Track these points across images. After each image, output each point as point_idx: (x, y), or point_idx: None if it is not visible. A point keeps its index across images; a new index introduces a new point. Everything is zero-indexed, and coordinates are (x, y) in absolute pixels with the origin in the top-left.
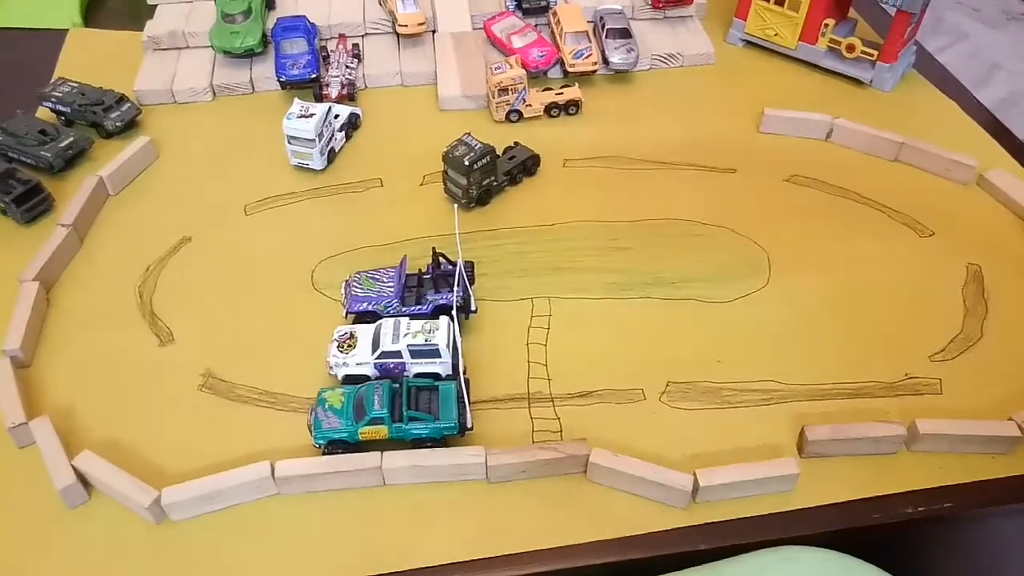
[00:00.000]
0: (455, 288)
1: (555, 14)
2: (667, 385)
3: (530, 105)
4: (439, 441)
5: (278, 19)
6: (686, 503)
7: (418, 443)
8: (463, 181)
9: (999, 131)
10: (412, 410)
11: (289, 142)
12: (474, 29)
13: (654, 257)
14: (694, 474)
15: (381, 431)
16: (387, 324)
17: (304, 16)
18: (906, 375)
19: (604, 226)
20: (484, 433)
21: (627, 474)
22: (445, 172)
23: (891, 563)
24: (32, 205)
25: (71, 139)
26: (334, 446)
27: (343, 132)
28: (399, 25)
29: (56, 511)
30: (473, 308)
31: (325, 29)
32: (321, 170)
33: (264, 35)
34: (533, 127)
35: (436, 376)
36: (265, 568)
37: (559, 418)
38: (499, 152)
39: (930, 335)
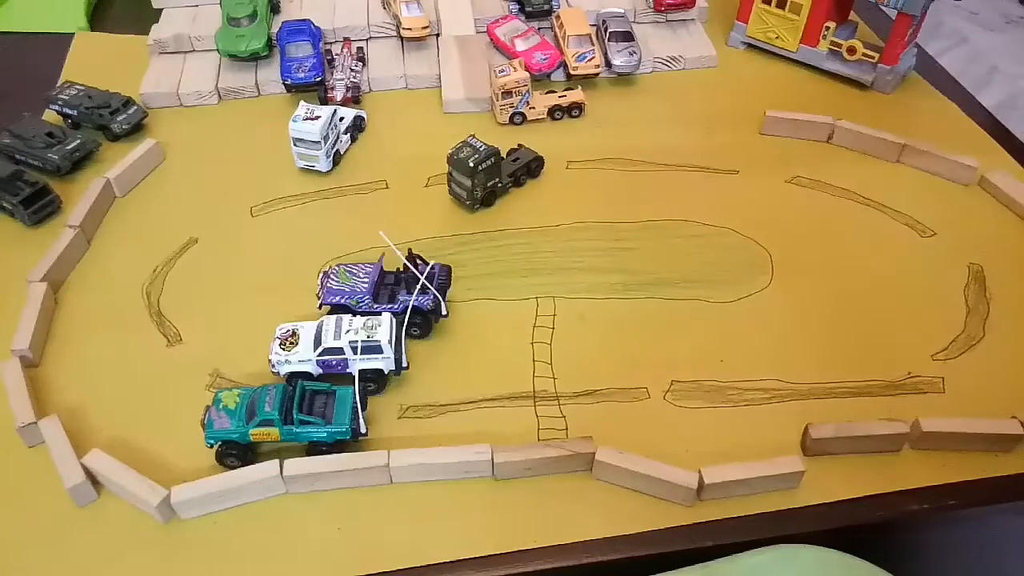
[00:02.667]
0: (412, 291)
1: (558, 17)
2: (671, 384)
3: (533, 108)
4: (332, 446)
5: (283, 23)
6: (691, 501)
7: (313, 447)
8: (468, 183)
9: (999, 132)
10: (303, 413)
11: (295, 144)
12: (478, 32)
13: (657, 258)
14: (699, 472)
15: (272, 433)
16: (329, 321)
17: (309, 20)
18: (909, 374)
19: (607, 227)
20: (490, 431)
21: (633, 472)
22: (450, 174)
23: (894, 560)
24: (40, 207)
25: (78, 141)
26: (227, 447)
27: (348, 135)
28: (403, 28)
29: (65, 510)
30: (444, 313)
31: (330, 33)
32: (327, 172)
33: (269, 39)
34: (536, 129)
35: (379, 372)
36: (273, 566)
37: (564, 416)
38: (503, 154)
39: (932, 334)
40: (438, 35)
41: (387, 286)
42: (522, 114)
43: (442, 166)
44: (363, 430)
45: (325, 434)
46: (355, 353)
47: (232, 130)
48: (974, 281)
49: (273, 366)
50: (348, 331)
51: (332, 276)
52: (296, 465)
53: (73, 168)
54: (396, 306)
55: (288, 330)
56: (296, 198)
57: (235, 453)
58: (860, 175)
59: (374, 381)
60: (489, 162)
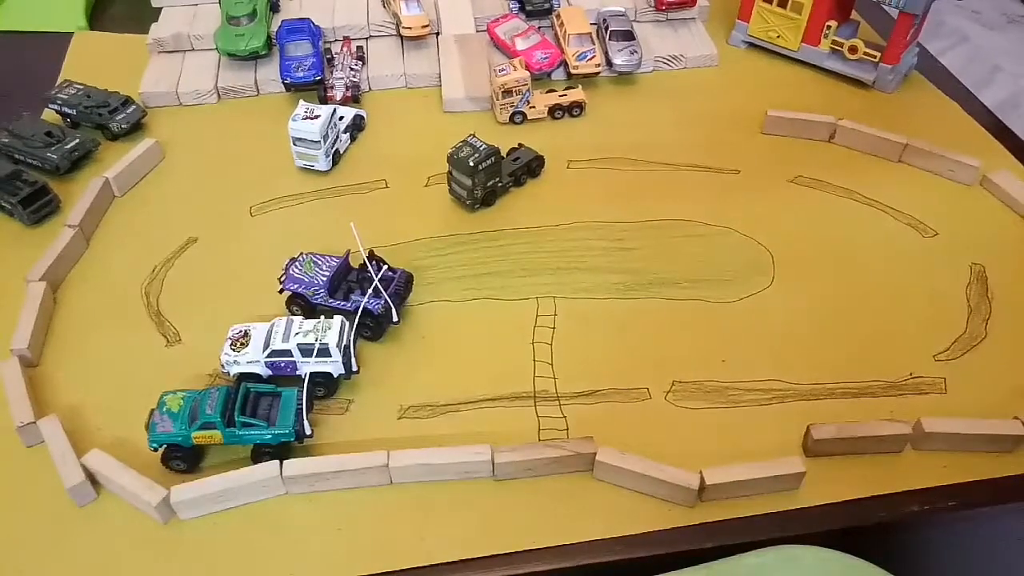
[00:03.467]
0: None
1: (558, 16)
2: (672, 384)
3: (534, 107)
4: (277, 448)
5: (282, 22)
6: (693, 501)
7: (257, 450)
8: (468, 182)
9: (1001, 132)
10: (245, 416)
11: (294, 144)
12: (477, 31)
13: (658, 257)
14: (701, 472)
15: (214, 436)
16: (280, 323)
17: (308, 19)
18: (910, 374)
19: (608, 227)
20: (490, 431)
21: (634, 472)
22: (450, 173)
23: (896, 561)
24: (39, 206)
25: (77, 141)
26: (171, 451)
27: (348, 134)
28: (403, 27)
29: (64, 510)
30: (395, 319)
31: (329, 31)
32: (326, 172)
33: (269, 37)
34: (537, 129)
35: (328, 376)
36: (273, 566)
37: (565, 417)
38: (503, 153)
39: (934, 335)
40: (438, 34)
41: (347, 283)
42: (522, 113)
43: (442, 165)
44: (308, 432)
45: (269, 436)
46: (303, 356)
47: (231, 129)
48: (976, 281)
49: (223, 367)
50: (297, 333)
51: (297, 264)
52: (296, 466)
53: (72, 167)
54: (349, 305)
55: (240, 331)
56: (295, 197)
57: (180, 456)
58: (862, 175)
59: (323, 385)
60: (489, 161)
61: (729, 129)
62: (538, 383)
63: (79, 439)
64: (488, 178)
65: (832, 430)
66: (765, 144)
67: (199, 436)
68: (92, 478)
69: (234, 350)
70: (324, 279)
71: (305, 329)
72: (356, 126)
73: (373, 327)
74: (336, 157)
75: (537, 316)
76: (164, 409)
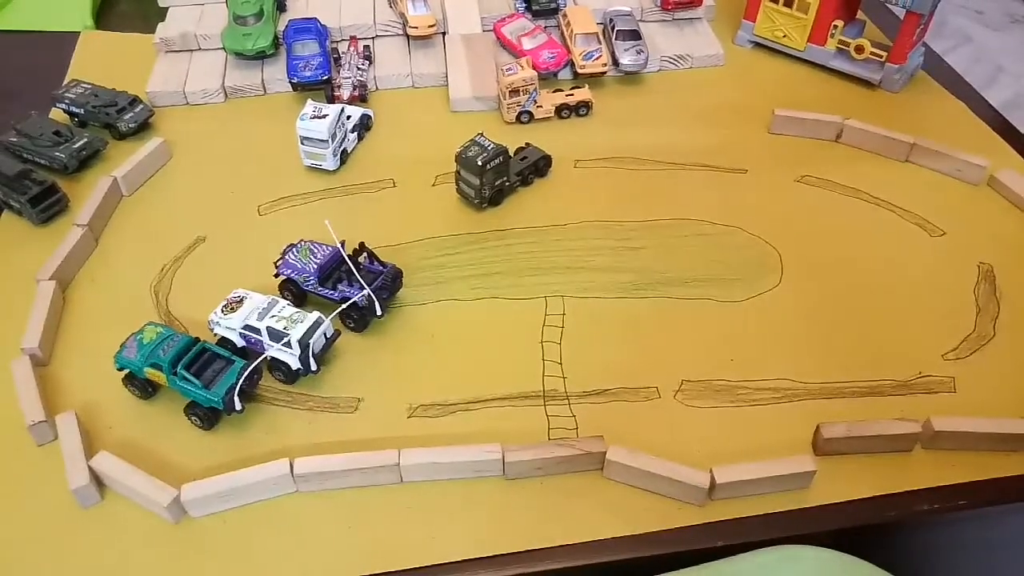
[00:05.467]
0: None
1: (565, 16)
2: (681, 383)
3: (541, 106)
4: (206, 411)
5: (289, 21)
6: (703, 500)
7: (190, 407)
8: (476, 181)
9: (1008, 132)
10: (189, 372)
11: (302, 143)
12: (484, 31)
13: (666, 257)
14: (711, 471)
15: (161, 377)
16: (265, 301)
17: (315, 18)
18: (919, 373)
19: (616, 226)
20: (500, 430)
21: (644, 471)
22: (458, 172)
23: (905, 560)
24: (47, 205)
25: (85, 140)
26: (129, 377)
27: (355, 133)
28: (410, 27)
29: (74, 511)
30: (378, 313)
31: (336, 31)
32: (334, 171)
33: (276, 37)
34: (544, 128)
35: (287, 365)
36: (283, 564)
37: (575, 416)
38: (511, 153)
39: (943, 334)
40: (445, 33)
41: (340, 272)
42: (529, 113)
43: (449, 165)
44: (237, 407)
45: (199, 396)
46: (270, 339)
47: (239, 129)
48: (984, 280)
49: (210, 324)
50: (273, 316)
51: (294, 250)
52: (306, 464)
53: (80, 167)
54: (336, 294)
55: (238, 296)
56: (304, 196)
57: (135, 384)
58: (869, 174)
59: (283, 372)
60: (497, 161)
61: (736, 128)
62: (547, 382)
63: (89, 438)
64: (496, 177)
65: (842, 429)
66: (772, 143)
67: (150, 372)
68: (98, 480)
69: (223, 312)
70: (315, 267)
71: (282, 315)
72: (363, 125)
73: (357, 319)
74: (344, 156)
75: (546, 315)
76: (138, 337)
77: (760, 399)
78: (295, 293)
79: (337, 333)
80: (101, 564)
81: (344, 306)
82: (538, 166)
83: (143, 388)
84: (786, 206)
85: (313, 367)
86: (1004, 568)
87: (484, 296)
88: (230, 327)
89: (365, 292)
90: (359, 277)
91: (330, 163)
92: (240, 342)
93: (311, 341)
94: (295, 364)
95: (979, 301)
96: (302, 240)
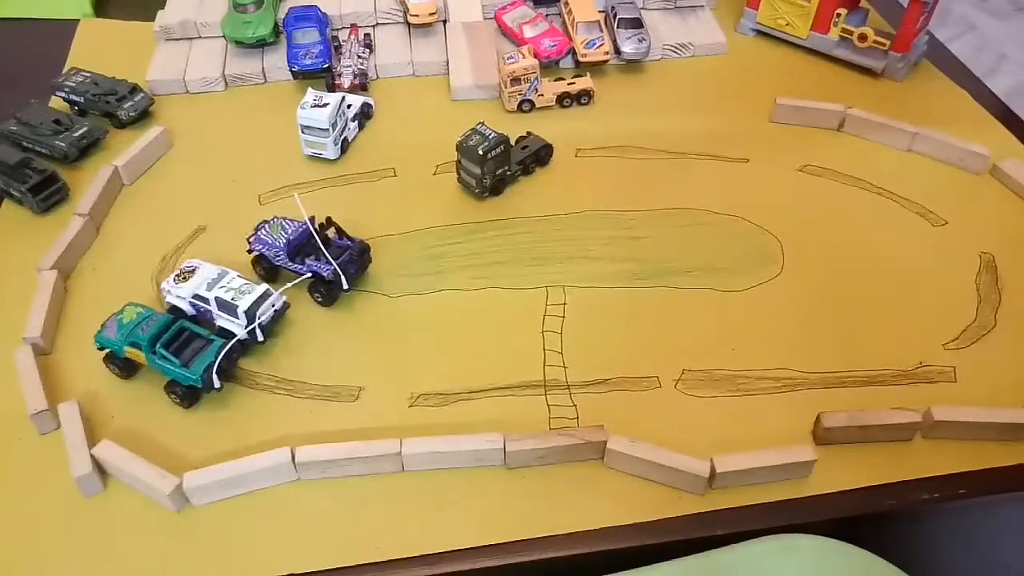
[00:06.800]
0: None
1: (567, 4)
2: (682, 373)
3: (542, 95)
4: (186, 389)
5: (290, 9)
6: (703, 489)
7: (170, 385)
8: (477, 170)
9: (1011, 120)
10: (169, 351)
11: (303, 132)
12: (485, 19)
13: (668, 246)
14: (711, 460)
15: (140, 356)
16: (216, 271)
17: (316, 6)
18: (920, 363)
19: (617, 215)
20: (502, 419)
21: (644, 460)
22: (459, 161)
23: (905, 549)
24: (48, 194)
25: (85, 129)
26: (110, 356)
27: (356, 122)
28: (410, 15)
29: (73, 500)
30: (344, 286)
31: (337, 19)
32: (335, 160)
33: (276, 25)
34: (545, 117)
35: (231, 335)
36: (285, 552)
37: (575, 405)
38: (512, 142)
39: (944, 324)
40: (445, 21)
41: (309, 246)
42: (531, 101)
43: (450, 154)
44: (216, 385)
45: (178, 375)
46: (218, 309)
47: (239, 117)
48: (986, 270)
49: (161, 291)
50: (222, 287)
51: (266, 226)
52: (308, 452)
53: (80, 155)
54: (303, 268)
55: (192, 266)
56: (304, 185)
57: (115, 363)
58: (871, 163)
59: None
60: (499, 150)
61: (738, 117)
62: (548, 372)
63: (91, 426)
64: (497, 166)
65: (842, 418)
66: (774, 132)
67: (129, 351)
68: (101, 469)
69: (175, 281)
70: (284, 242)
71: (231, 285)
72: (364, 114)
73: (325, 293)
74: (344, 145)
75: (547, 305)
76: (119, 316)
77: (761, 388)
78: (266, 268)
79: (286, 305)
80: (103, 552)
81: (300, 280)
82: (539, 155)
83: (123, 367)
84: (788, 195)
85: (260, 338)
86: (1003, 557)
87: (485, 285)
88: (180, 296)
89: (332, 266)
90: (325, 252)
91: (331, 152)
92: (190, 311)
93: (258, 312)
94: (240, 334)
95: (980, 291)
96: (275, 217)
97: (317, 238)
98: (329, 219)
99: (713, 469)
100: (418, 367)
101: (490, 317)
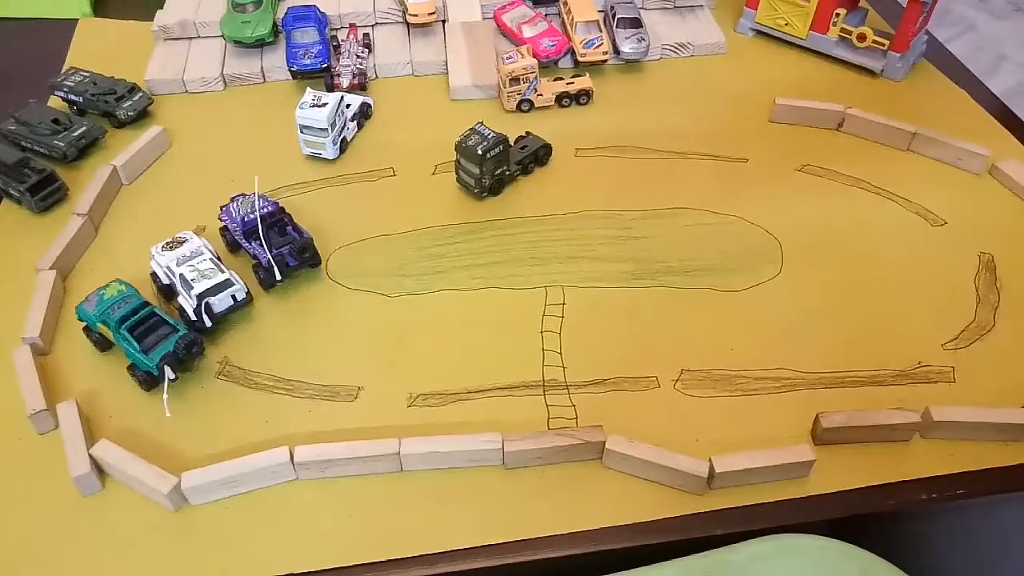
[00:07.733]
0: (271, 243)
1: (565, 3)
2: (681, 373)
3: (541, 95)
4: (144, 375)
5: (288, 9)
6: (702, 489)
7: (130, 368)
8: (476, 170)
9: (1011, 121)
10: (132, 335)
11: (302, 131)
12: (484, 19)
13: (666, 246)
14: (710, 460)
15: (109, 334)
16: (195, 249)
17: (314, 6)
18: (919, 363)
19: (616, 215)
20: (500, 419)
21: (643, 460)
22: (458, 161)
23: (904, 549)
24: (46, 194)
25: (84, 128)
26: (88, 332)
27: (355, 122)
28: (409, 15)
29: (71, 499)
30: (278, 278)
31: (335, 19)
32: (334, 160)
33: (275, 25)
34: (544, 117)
35: (182, 311)
36: (283, 552)
37: (574, 405)
38: (511, 142)
39: (943, 324)
40: (444, 21)
41: (270, 228)
42: (529, 101)
43: (449, 153)
44: (171, 376)
45: (136, 360)
46: (181, 285)
47: (238, 117)
48: (985, 270)
49: (151, 254)
50: (190, 265)
51: (238, 200)
52: (307, 452)
53: (79, 155)
54: (252, 250)
55: (183, 237)
56: (303, 185)
57: (92, 338)
58: (870, 163)
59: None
60: (498, 150)
61: (737, 117)
62: (547, 372)
63: (90, 426)
64: (496, 166)
65: (841, 418)
66: (773, 132)
67: (101, 327)
68: (99, 468)
69: (163, 248)
70: (241, 221)
71: (199, 267)
72: (363, 114)
73: (263, 278)
74: (343, 145)
75: (546, 305)
76: (101, 292)
77: (760, 388)
78: (229, 241)
79: (248, 298)
80: (102, 552)
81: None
82: (538, 155)
83: (98, 342)
84: (787, 195)
85: (207, 323)
86: (1002, 557)
87: (484, 285)
88: (159, 264)
89: (274, 253)
90: (264, 241)
91: (330, 152)
92: (165, 280)
93: (211, 300)
94: (189, 309)
95: (979, 291)
96: (254, 193)
97: (260, 226)
98: (281, 208)
99: (712, 469)
100: (417, 367)
101: (489, 317)
